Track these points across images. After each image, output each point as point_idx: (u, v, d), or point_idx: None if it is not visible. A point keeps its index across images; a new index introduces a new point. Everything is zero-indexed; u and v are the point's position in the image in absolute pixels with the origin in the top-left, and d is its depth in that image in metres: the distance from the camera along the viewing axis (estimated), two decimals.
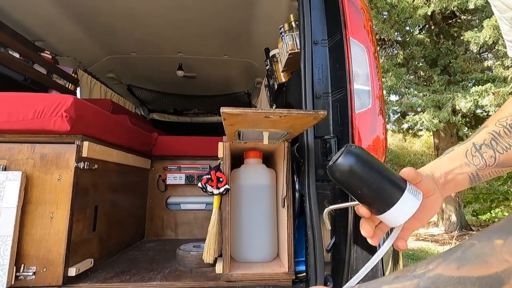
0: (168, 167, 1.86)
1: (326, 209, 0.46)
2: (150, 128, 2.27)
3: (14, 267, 0.93)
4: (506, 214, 6.21)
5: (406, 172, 0.47)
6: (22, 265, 0.95)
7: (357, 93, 0.96)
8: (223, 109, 0.60)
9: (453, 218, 5.95)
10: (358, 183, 0.40)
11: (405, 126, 7.60)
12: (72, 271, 1.00)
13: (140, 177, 1.75)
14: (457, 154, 0.61)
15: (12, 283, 0.92)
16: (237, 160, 1.25)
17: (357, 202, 0.45)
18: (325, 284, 0.94)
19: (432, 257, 0.36)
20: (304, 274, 1.05)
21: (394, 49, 6.20)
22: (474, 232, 5.91)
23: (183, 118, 3.80)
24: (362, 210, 0.47)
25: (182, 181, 1.83)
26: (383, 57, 5.66)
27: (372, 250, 0.84)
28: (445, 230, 5.96)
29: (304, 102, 1.01)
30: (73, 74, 2.31)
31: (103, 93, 2.76)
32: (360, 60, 0.97)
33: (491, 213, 5.78)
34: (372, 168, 0.40)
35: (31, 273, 0.95)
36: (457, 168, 0.60)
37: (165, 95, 3.44)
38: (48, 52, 2.15)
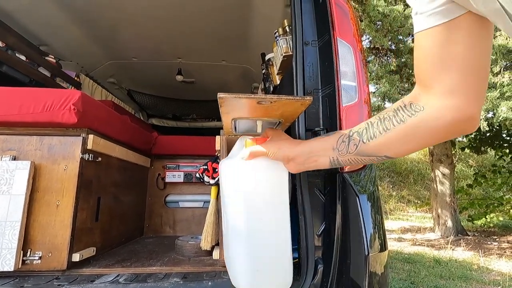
0: (167, 165, 1.92)
1: None
2: (149, 130, 2.34)
3: (21, 252, 0.98)
4: (501, 219, 6.27)
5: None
6: (29, 250, 1.00)
7: (344, 88, 1.04)
8: (220, 94, 0.67)
9: (449, 223, 6.00)
10: None
11: None
12: (76, 257, 1.05)
13: (140, 174, 1.80)
14: (332, 138, 0.68)
15: (19, 266, 0.97)
16: None
17: None
18: (316, 267, 0.99)
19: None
20: (297, 260, 1.11)
21: (388, 58, 6.34)
22: (470, 237, 5.96)
23: (182, 123, 3.87)
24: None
25: (181, 179, 1.89)
26: (377, 65, 5.79)
27: (359, 231, 0.90)
28: (441, 235, 6.00)
29: None
30: (75, 78, 2.39)
31: (104, 97, 2.84)
32: (346, 58, 1.06)
33: (486, 218, 5.85)
34: None
35: (37, 258, 1.00)
36: (321, 151, 0.68)
37: (164, 100, 3.52)
38: (52, 56, 2.23)
